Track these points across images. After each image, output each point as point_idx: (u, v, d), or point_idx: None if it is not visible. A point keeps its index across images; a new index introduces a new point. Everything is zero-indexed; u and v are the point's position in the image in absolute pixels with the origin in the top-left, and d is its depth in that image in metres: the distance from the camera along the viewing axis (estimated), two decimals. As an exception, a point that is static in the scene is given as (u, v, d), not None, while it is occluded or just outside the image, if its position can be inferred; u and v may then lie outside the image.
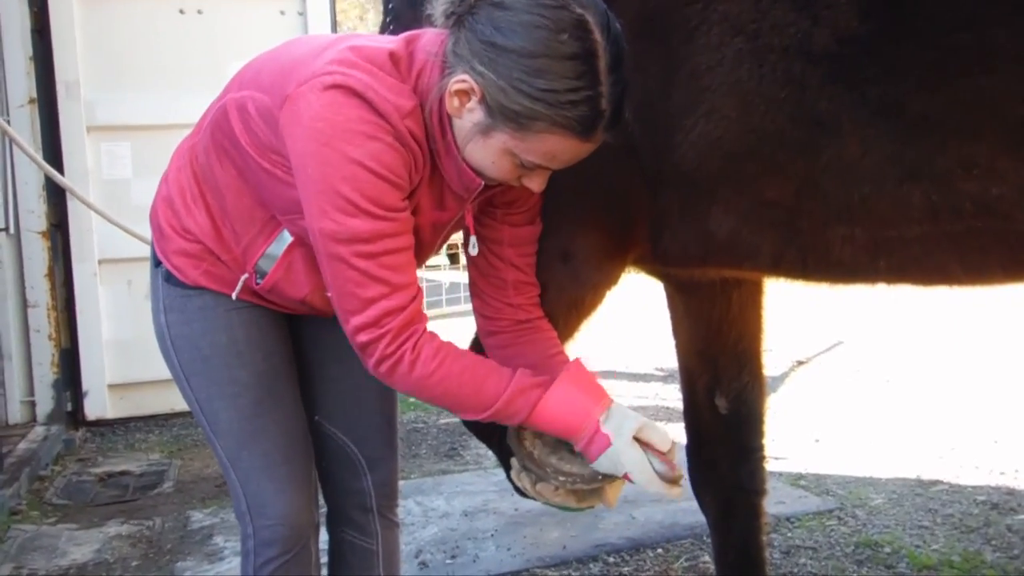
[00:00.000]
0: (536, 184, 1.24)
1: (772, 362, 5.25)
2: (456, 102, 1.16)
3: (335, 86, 1.13)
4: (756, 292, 1.76)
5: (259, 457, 1.38)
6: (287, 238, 1.32)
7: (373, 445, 1.55)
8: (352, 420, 1.54)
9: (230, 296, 1.36)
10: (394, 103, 1.15)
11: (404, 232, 1.19)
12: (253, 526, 1.40)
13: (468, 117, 1.17)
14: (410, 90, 1.19)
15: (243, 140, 1.25)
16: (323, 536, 1.61)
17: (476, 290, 1.42)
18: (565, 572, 2.50)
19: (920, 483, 3.17)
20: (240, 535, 1.43)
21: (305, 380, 1.52)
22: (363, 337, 1.18)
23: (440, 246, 1.42)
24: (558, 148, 1.16)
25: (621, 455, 1.21)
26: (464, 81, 1.14)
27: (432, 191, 1.27)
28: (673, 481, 1.23)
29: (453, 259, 8.49)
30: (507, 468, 1.45)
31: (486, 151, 1.18)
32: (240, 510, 1.41)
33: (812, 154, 1.25)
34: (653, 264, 1.59)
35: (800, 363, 5.47)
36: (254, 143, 1.25)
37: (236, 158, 1.29)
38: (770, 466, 3.29)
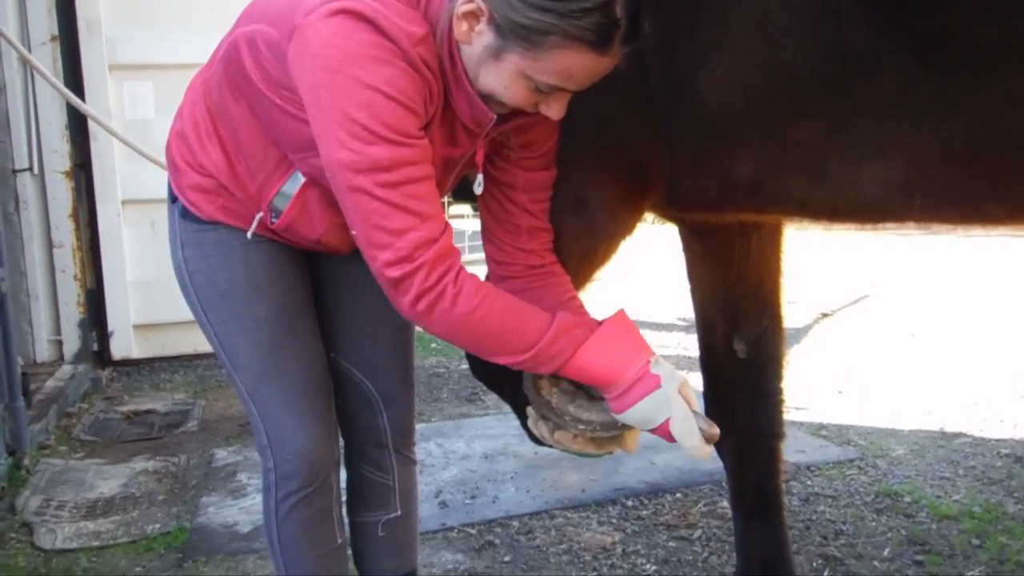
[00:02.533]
0: (555, 111, 1.18)
1: (797, 314, 5.25)
2: (465, 26, 1.11)
3: (342, 11, 1.09)
4: (776, 234, 1.71)
5: (278, 392, 1.38)
6: (301, 177, 1.29)
7: (389, 383, 1.54)
8: (368, 357, 1.53)
9: (246, 231, 1.34)
10: (405, 29, 1.11)
11: (424, 160, 1.14)
12: (274, 460, 1.41)
13: (478, 41, 1.12)
14: (421, 16, 1.14)
15: (254, 76, 1.22)
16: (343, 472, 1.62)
17: (489, 235, 1.38)
18: (584, 514, 2.52)
19: (943, 435, 3.15)
20: (261, 468, 1.44)
21: (322, 316, 1.50)
22: (395, 272, 1.12)
23: (452, 185, 1.38)
24: (573, 64, 1.10)
25: (671, 398, 1.18)
26: (471, 2, 1.09)
27: (443, 126, 1.23)
28: (710, 438, 1.20)
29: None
30: (522, 417, 1.44)
31: (499, 75, 1.13)
32: (261, 444, 1.42)
33: (847, 92, 1.19)
34: (669, 210, 1.54)
35: (825, 315, 5.43)
36: (265, 79, 1.21)
37: (248, 94, 1.25)
38: (792, 416, 3.30)
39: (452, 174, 1.33)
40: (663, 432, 1.20)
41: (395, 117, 1.09)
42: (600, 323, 1.25)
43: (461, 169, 1.34)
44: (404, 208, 1.11)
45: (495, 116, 1.20)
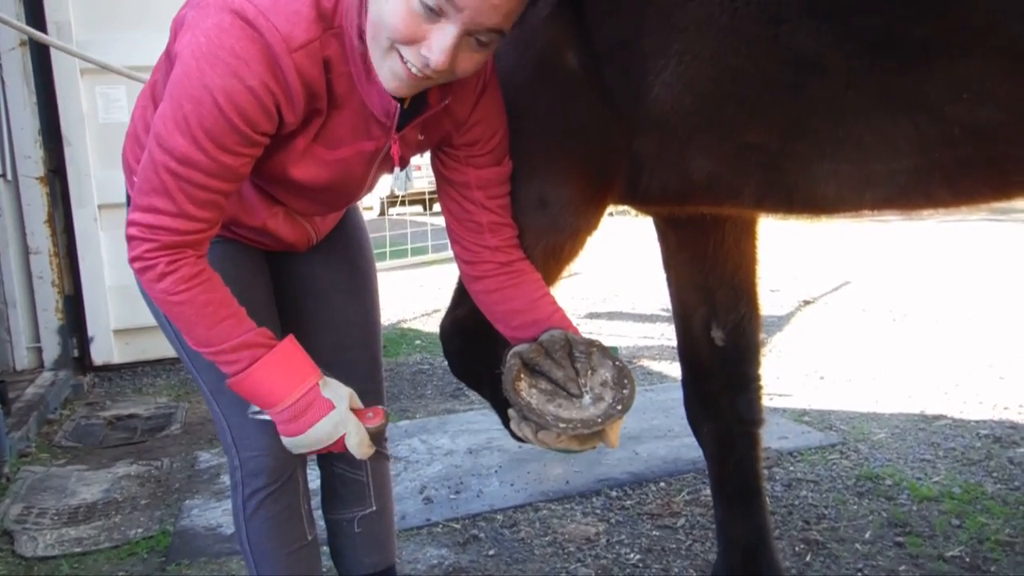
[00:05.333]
0: (436, 50, 1.07)
1: (779, 302, 5.27)
2: None
3: (232, 12, 1.10)
4: (751, 221, 1.72)
5: None
6: None
7: (357, 380, 1.52)
8: (334, 356, 1.52)
9: None
10: (284, 34, 1.11)
11: (222, 177, 1.15)
12: (239, 458, 1.41)
13: None
14: (312, 20, 1.13)
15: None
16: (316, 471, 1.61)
17: (454, 236, 1.38)
18: (568, 506, 2.52)
19: (924, 418, 3.17)
20: (228, 467, 1.44)
21: (286, 317, 1.50)
22: (131, 231, 1.18)
23: (373, 182, 1.38)
24: None
25: (345, 417, 1.25)
26: None
27: (354, 120, 1.23)
28: (375, 434, 1.30)
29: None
30: (503, 418, 1.44)
31: None
32: (226, 442, 1.41)
33: (794, 93, 1.18)
34: (633, 204, 1.54)
35: (807, 302, 5.46)
36: None
37: None
38: (774, 403, 3.32)
39: (372, 169, 1.33)
40: (339, 447, 1.27)
41: (214, 126, 1.11)
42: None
43: (381, 165, 1.34)
44: (171, 196, 1.14)
45: (398, 105, 1.19)
